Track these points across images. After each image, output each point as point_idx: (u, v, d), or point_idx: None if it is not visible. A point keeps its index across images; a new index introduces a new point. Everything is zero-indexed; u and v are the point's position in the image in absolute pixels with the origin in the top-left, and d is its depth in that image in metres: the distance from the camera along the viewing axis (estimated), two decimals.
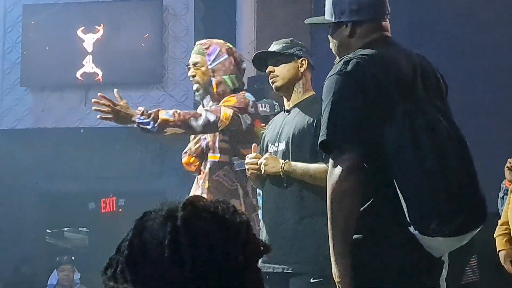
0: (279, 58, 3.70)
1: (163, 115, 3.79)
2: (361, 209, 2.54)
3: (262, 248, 1.39)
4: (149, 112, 3.81)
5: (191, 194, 3.70)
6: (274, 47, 3.76)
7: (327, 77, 2.64)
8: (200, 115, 3.84)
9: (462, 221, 2.46)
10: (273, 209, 3.59)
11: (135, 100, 9.04)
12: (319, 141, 2.58)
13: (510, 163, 5.01)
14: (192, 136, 4.12)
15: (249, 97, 4.06)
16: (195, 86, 4.09)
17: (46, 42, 9.12)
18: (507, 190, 5.14)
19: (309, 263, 3.40)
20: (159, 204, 1.38)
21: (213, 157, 4.04)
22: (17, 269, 8.88)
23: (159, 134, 3.85)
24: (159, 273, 1.30)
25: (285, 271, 3.49)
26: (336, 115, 2.54)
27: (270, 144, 3.70)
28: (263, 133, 5.63)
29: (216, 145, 4.02)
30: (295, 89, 3.69)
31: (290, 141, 3.57)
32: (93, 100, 3.90)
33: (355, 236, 2.54)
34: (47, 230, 10.17)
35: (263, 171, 3.57)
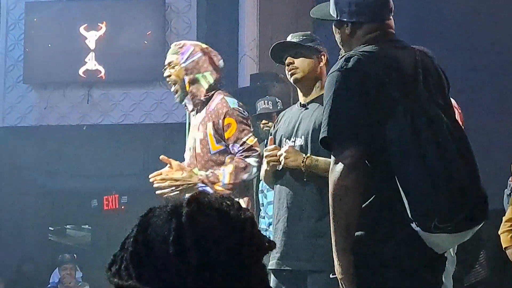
0: (299, 50, 3.62)
1: (219, 186, 3.82)
2: (363, 206, 2.54)
3: (266, 244, 1.39)
4: (209, 179, 3.83)
5: None
6: (293, 39, 3.68)
7: (329, 73, 2.64)
8: (248, 165, 3.84)
9: (464, 217, 2.46)
10: (291, 205, 3.51)
11: (138, 97, 9.05)
12: (320, 137, 2.58)
13: None
14: (188, 148, 4.09)
15: (233, 103, 3.94)
16: (172, 88, 4.02)
17: (48, 40, 9.12)
18: None
19: (327, 259, 3.28)
20: (163, 201, 1.38)
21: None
22: (19, 267, 8.87)
23: None
24: (163, 269, 1.29)
25: (303, 269, 3.43)
26: (338, 111, 2.54)
27: (284, 139, 3.62)
28: (266, 129, 5.65)
29: (212, 158, 3.97)
30: (314, 83, 3.62)
31: (310, 136, 3.48)
32: (155, 185, 3.89)
33: (357, 233, 2.54)
34: (50, 228, 10.16)
35: (282, 164, 3.48)
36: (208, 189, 3.80)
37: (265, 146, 5.43)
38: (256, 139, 3.98)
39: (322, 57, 3.65)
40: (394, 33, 2.77)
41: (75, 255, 8.53)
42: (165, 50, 8.97)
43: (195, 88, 3.95)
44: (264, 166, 3.66)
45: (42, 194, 9.39)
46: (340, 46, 2.81)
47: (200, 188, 3.81)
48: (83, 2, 9.23)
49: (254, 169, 3.86)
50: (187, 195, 1.40)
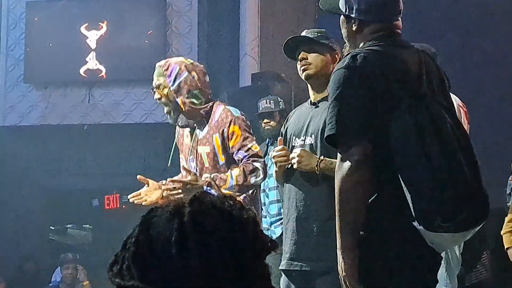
0: (314, 46, 3.57)
1: (226, 189, 3.82)
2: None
3: (269, 244, 1.38)
4: (215, 182, 3.83)
5: None
6: (308, 34, 3.62)
7: (334, 70, 2.64)
8: (255, 168, 3.83)
9: (466, 217, 2.48)
10: (300, 205, 3.47)
11: (139, 97, 9.04)
12: (326, 134, 2.58)
13: None
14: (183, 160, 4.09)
15: (235, 111, 3.96)
16: (165, 109, 4.03)
17: (49, 39, 9.11)
18: None
19: (336, 260, 3.22)
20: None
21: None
22: (21, 266, 8.87)
23: None
24: (166, 269, 1.28)
25: (312, 269, 3.41)
26: (345, 109, 2.55)
27: (294, 138, 3.58)
28: (268, 128, 5.64)
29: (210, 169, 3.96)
30: (326, 81, 3.44)
31: (320, 135, 3.42)
32: (164, 188, 3.92)
33: None
34: (51, 227, 10.16)
35: (295, 167, 3.44)
36: (214, 191, 3.79)
37: (267, 146, 5.46)
38: (259, 147, 3.98)
39: (336, 55, 3.59)
40: (400, 33, 2.77)
41: (77, 255, 8.52)
42: (166, 50, 9.03)
43: (190, 106, 3.94)
44: (274, 167, 3.64)
45: (43, 193, 9.38)
46: (345, 40, 2.82)
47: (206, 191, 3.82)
48: (84, 1, 9.22)
49: (261, 174, 3.85)
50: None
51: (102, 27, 9.07)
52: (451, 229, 2.48)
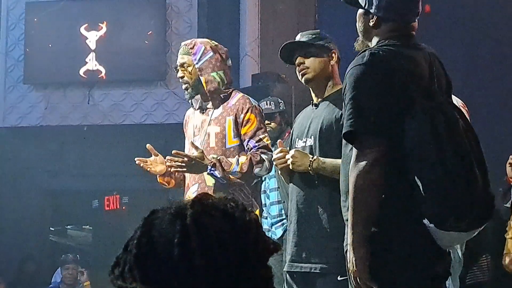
0: (309, 49, 3.55)
1: (229, 173, 3.86)
2: None
3: (272, 246, 1.37)
4: (221, 163, 3.85)
5: None
6: (303, 38, 3.59)
7: (351, 67, 2.63)
8: (262, 160, 3.88)
9: (475, 217, 2.52)
10: (301, 206, 3.47)
11: (139, 97, 9.03)
12: (344, 131, 2.58)
13: None
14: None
15: (254, 101, 4.06)
16: (184, 86, 4.06)
17: (49, 40, 9.10)
18: (508, 188, 5.10)
19: (336, 261, 3.20)
20: (166, 202, 1.37)
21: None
22: (21, 267, 8.87)
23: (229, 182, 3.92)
24: (168, 271, 1.28)
25: (312, 270, 3.41)
26: (363, 106, 2.55)
27: (297, 139, 3.58)
28: (268, 130, 5.63)
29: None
30: (326, 83, 3.54)
31: (318, 135, 3.44)
32: (167, 157, 3.95)
33: None
34: (51, 228, 10.16)
35: (290, 168, 3.45)
36: (217, 173, 3.83)
37: None
38: (270, 140, 4.03)
39: (333, 55, 3.57)
40: (414, 35, 2.77)
41: (77, 255, 8.52)
42: (166, 50, 9.02)
43: (213, 86, 3.99)
44: (276, 169, 3.67)
45: (43, 194, 9.38)
46: (359, 34, 2.81)
47: (208, 171, 3.85)
48: (84, 2, 9.22)
49: (267, 165, 3.90)
50: (191, 196, 1.39)
51: (102, 27, 9.06)
52: (460, 228, 2.53)
